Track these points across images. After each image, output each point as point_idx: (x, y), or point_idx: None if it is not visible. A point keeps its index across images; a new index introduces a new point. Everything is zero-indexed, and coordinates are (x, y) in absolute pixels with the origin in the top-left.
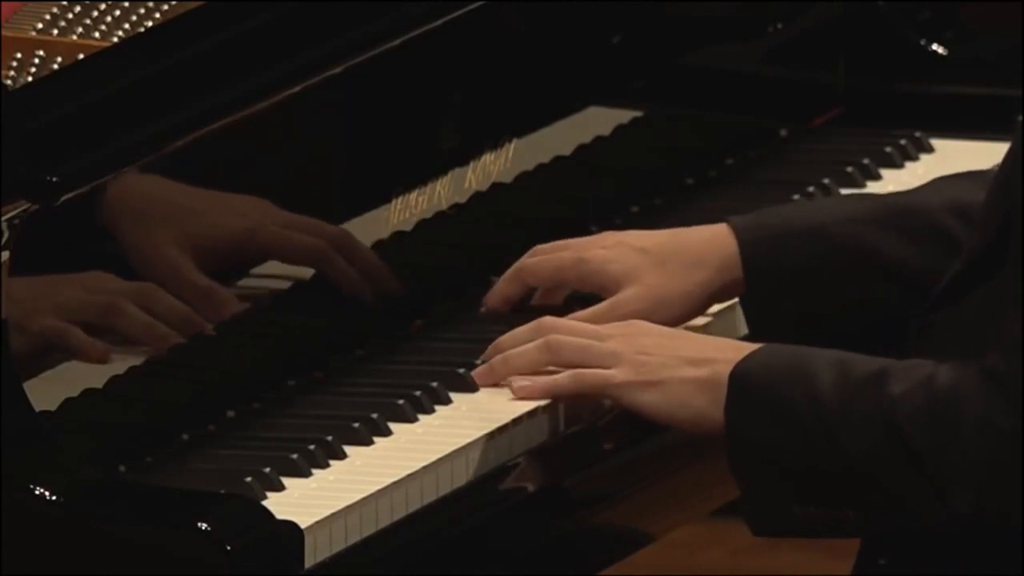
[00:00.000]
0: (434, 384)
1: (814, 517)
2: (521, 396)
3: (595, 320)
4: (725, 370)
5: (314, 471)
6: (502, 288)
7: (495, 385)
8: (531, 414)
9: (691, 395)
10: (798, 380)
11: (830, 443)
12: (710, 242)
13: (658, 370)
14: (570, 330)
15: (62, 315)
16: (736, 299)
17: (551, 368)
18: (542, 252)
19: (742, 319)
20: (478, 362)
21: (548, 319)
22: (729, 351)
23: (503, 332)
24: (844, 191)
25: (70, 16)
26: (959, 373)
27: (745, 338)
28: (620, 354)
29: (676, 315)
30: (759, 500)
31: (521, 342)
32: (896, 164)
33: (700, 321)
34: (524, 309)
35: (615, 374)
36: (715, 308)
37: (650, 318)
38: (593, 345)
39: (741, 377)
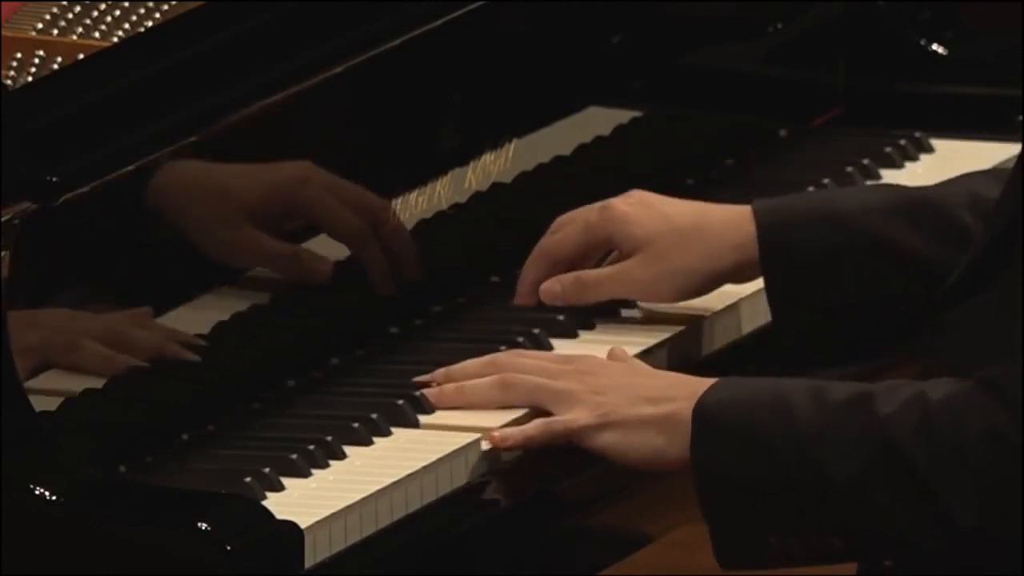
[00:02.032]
0: (434, 384)
1: (793, 547)
2: (498, 447)
3: (600, 283)
4: (684, 407)
5: (314, 471)
6: (529, 276)
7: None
8: (529, 414)
9: (650, 434)
10: (771, 409)
11: (812, 470)
12: (730, 221)
13: (616, 410)
14: (523, 368)
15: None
16: (738, 296)
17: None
18: (561, 225)
19: (744, 317)
20: (425, 382)
21: (503, 356)
22: (686, 387)
23: (503, 332)
24: None
25: (70, 16)
26: (954, 388)
27: (768, 326)
28: (575, 394)
29: (678, 290)
30: (731, 534)
31: (473, 375)
32: (896, 164)
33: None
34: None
35: (576, 418)
36: (719, 305)
37: (655, 288)
38: (547, 385)
39: (705, 412)
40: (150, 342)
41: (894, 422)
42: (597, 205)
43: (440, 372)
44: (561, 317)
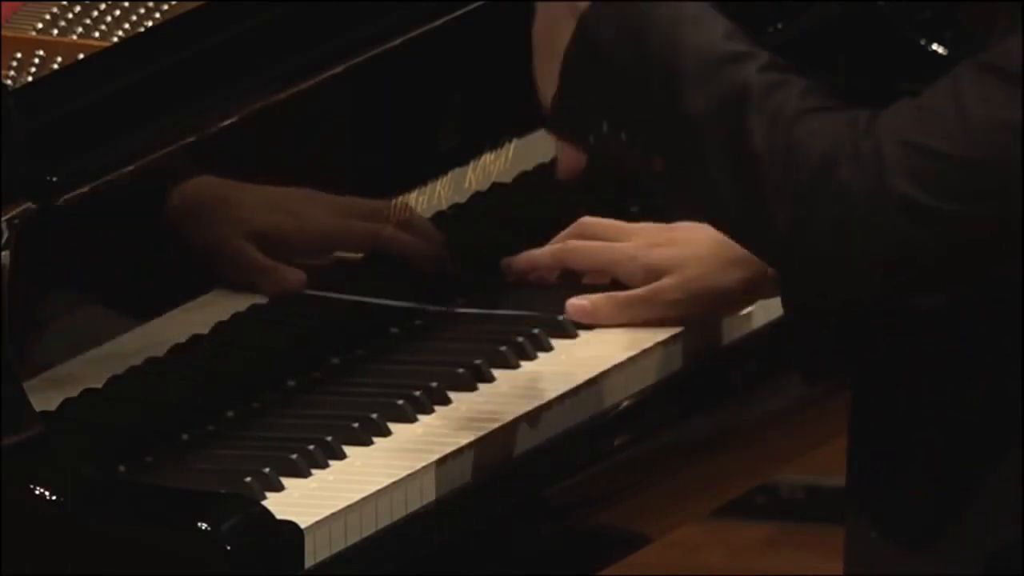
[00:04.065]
0: (434, 384)
1: (614, 142)
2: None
3: (633, 304)
4: None
5: (314, 471)
6: (538, 260)
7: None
8: (530, 414)
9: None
10: (668, 15)
11: (673, 88)
12: None
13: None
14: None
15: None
16: None
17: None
18: (590, 232)
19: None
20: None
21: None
22: None
23: (503, 332)
24: None
25: (70, 16)
26: (817, 99)
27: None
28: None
29: (715, 309)
30: (573, 99)
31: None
32: None
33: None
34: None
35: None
36: None
37: (687, 309)
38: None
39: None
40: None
41: (758, 93)
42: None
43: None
44: (560, 317)
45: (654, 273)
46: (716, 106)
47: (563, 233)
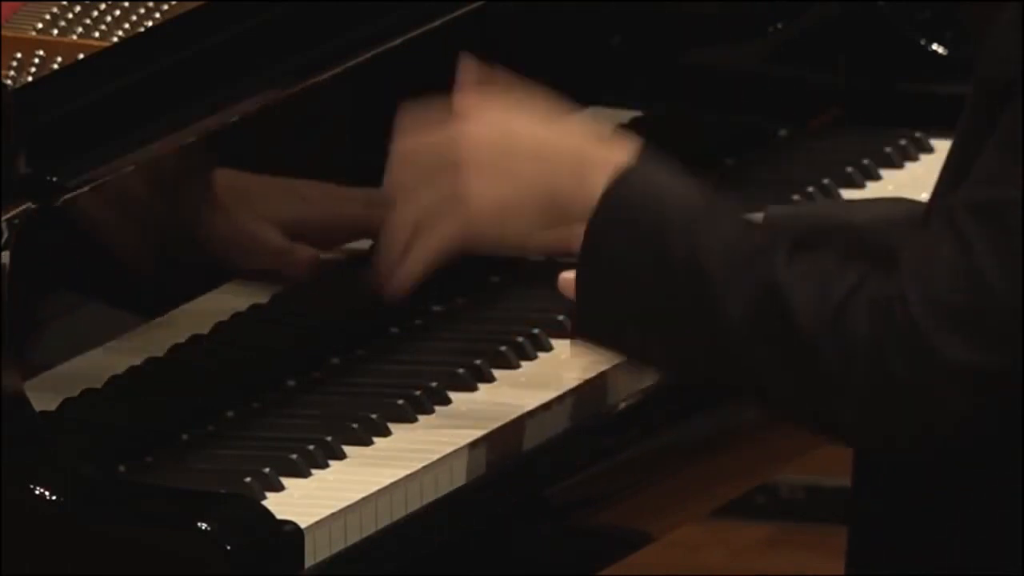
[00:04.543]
0: (434, 384)
1: (647, 348)
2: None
3: None
4: (569, 185)
5: (314, 471)
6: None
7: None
8: (530, 414)
9: (531, 216)
10: (681, 219)
11: (706, 298)
12: None
13: (503, 197)
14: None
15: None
16: None
17: None
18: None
19: None
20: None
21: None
22: (567, 161)
23: (503, 332)
24: (844, 191)
25: (70, 16)
26: (847, 286)
27: None
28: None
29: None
30: (597, 312)
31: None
32: (896, 164)
33: None
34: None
35: (444, 231)
36: None
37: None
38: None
39: (615, 198)
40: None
41: (794, 288)
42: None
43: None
44: (561, 317)
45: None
46: (754, 311)
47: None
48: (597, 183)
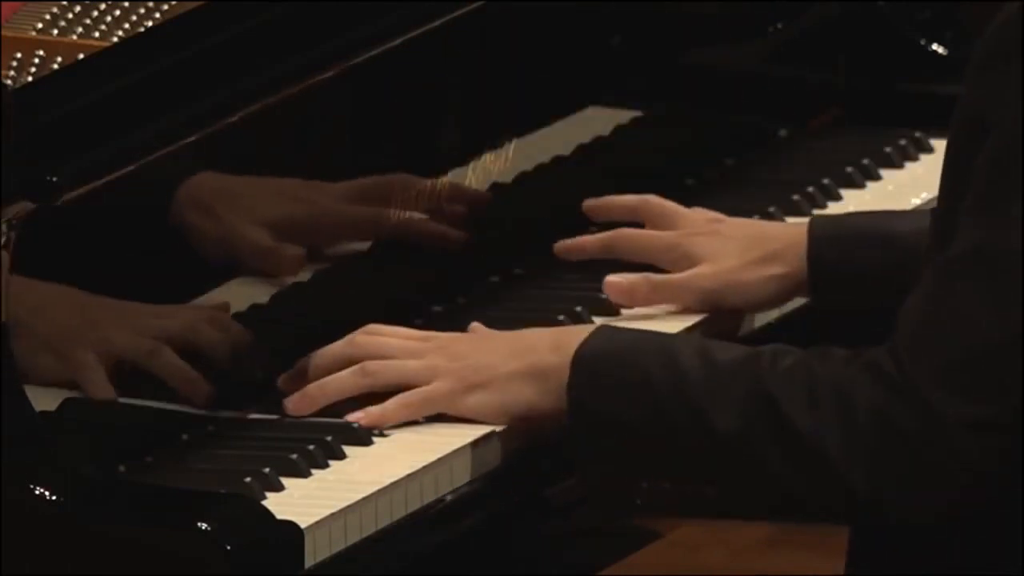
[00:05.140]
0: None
1: (664, 491)
2: (366, 425)
3: (667, 287)
4: (548, 357)
5: (314, 471)
6: (585, 246)
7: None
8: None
9: (518, 388)
10: (656, 360)
11: (696, 420)
12: (788, 237)
13: (479, 371)
14: (382, 349)
15: (100, 349)
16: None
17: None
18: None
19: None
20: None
21: (361, 340)
22: (546, 339)
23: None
24: (844, 191)
25: (70, 16)
26: (839, 364)
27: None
28: (437, 367)
29: (748, 301)
30: (597, 472)
31: (333, 362)
32: (896, 164)
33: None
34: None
35: (438, 387)
36: None
37: (720, 298)
38: (407, 365)
39: (587, 358)
40: (222, 345)
41: (778, 385)
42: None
43: (299, 368)
44: (561, 317)
45: (692, 260)
46: (747, 418)
47: (626, 201)
48: (573, 348)
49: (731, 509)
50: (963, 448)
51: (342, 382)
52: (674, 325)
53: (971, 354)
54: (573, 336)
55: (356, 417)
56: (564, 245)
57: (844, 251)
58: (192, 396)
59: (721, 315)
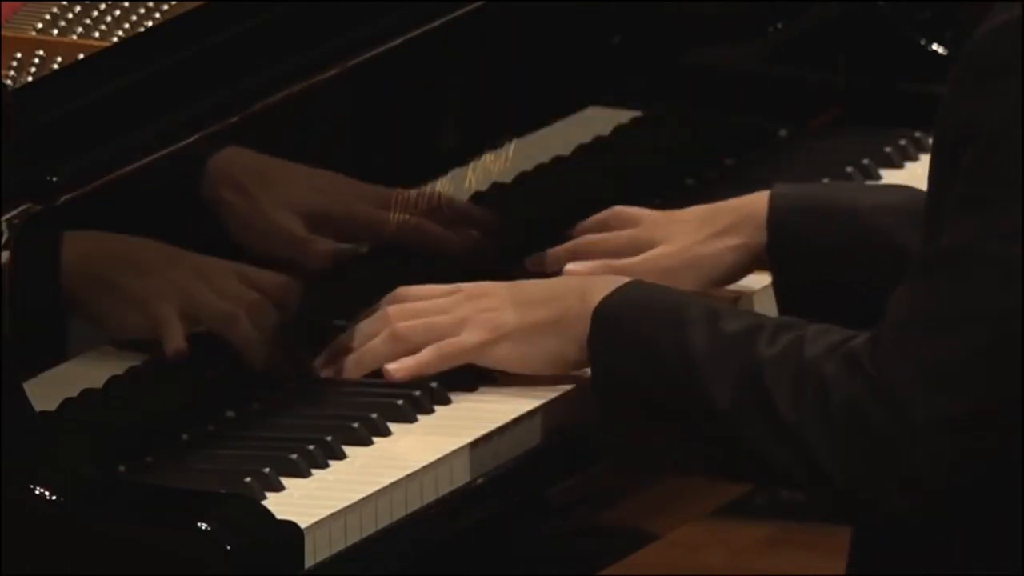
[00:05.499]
0: (433, 384)
1: (675, 453)
2: (393, 380)
3: (627, 271)
4: (575, 306)
5: (314, 471)
6: (554, 257)
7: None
8: (530, 414)
9: (544, 338)
10: (668, 323)
11: (695, 388)
12: (748, 207)
13: (506, 321)
14: (412, 312)
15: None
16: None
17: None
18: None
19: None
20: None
21: (391, 308)
22: (574, 289)
23: None
24: None
25: (70, 16)
26: (824, 349)
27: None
28: (466, 319)
29: (708, 276)
30: (619, 428)
31: (366, 334)
32: (896, 164)
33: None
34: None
35: (468, 338)
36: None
37: (682, 276)
38: (438, 321)
39: (603, 314)
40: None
41: (770, 367)
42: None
43: (334, 345)
44: None
45: (652, 246)
46: (739, 395)
47: (596, 216)
48: (597, 299)
49: (736, 478)
50: (935, 446)
51: (375, 350)
52: None
53: (947, 353)
54: (599, 287)
55: (393, 368)
56: (535, 259)
57: (807, 223)
58: (254, 364)
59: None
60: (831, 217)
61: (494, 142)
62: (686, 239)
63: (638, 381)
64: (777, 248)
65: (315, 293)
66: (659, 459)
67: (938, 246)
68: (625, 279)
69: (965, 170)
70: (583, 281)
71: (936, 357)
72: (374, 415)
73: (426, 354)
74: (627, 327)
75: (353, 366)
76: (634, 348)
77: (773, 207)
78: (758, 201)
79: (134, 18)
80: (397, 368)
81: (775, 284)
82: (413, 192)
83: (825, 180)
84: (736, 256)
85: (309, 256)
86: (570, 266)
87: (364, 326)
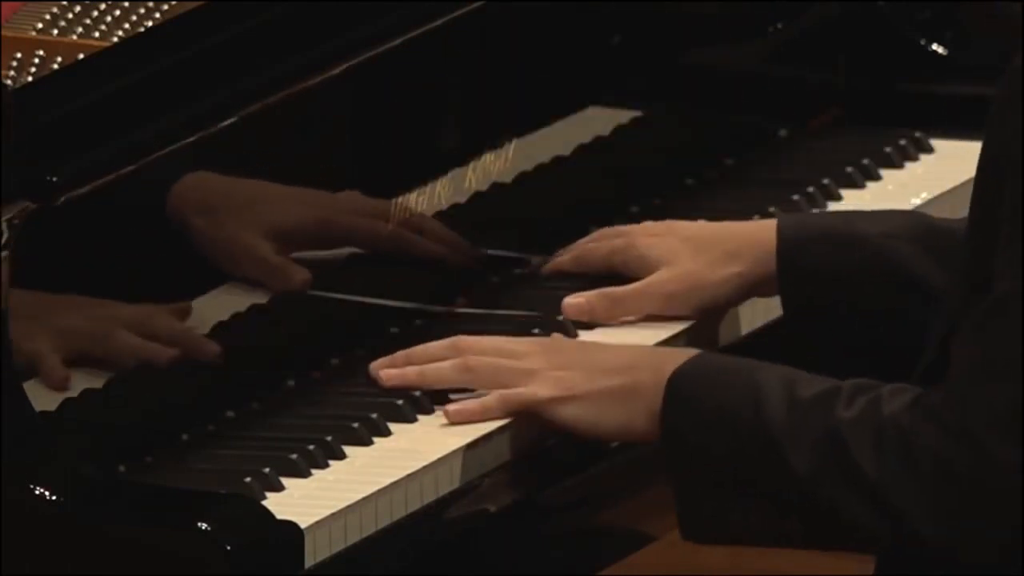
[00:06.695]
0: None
1: (753, 526)
2: (454, 421)
3: (629, 298)
4: (647, 378)
5: (314, 471)
6: (559, 265)
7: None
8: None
9: (613, 406)
10: (743, 393)
11: (774, 458)
12: (752, 235)
13: (578, 383)
14: (485, 350)
15: (55, 339)
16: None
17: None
18: (603, 237)
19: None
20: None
21: (464, 339)
22: (648, 359)
23: (502, 333)
24: (844, 191)
25: (70, 16)
26: (904, 406)
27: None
28: (536, 371)
29: (710, 302)
30: (695, 505)
31: (435, 358)
32: (896, 164)
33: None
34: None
35: (537, 391)
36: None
37: (684, 301)
38: (508, 364)
39: (678, 385)
40: (177, 333)
41: (849, 428)
42: (625, 238)
43: (401, 355)
44: (561, 318)
45: (646, 263)
46: (821, 459)
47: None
48: (669, 371)
49: (817, 545)
50: (1014, 491)
51: (441, 371)
52: (660, 334)
53: (1015, 397)
54: (671, 359)
55: (454, 410)
56: (547, 268)
57: (819, 252)
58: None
59: (708, 323)
60: (842, 246)
61: (494, 142)
62: (688, 263)
63: (715, 452)
64: (788, 276)
65: (296, 298)
66: (737, 534)
67: (998, 291)
68: (695, 351)
69: (1010, 201)
70: (656, 352)
71: (1013, 404)
72: (374, 415)
73: (491, 400)
74: (703, 398)
75: (414, 376)
76: (710, 419)
77: (783, 237)
78: (765, 230)
79: (134, 18)
80: (459, 410)
81: (785, 312)
82: (390, 202)
83: (825, 180)
84: (739, 283)
85: (289, 284)
86: (569, 300)
87: (433, 346)
